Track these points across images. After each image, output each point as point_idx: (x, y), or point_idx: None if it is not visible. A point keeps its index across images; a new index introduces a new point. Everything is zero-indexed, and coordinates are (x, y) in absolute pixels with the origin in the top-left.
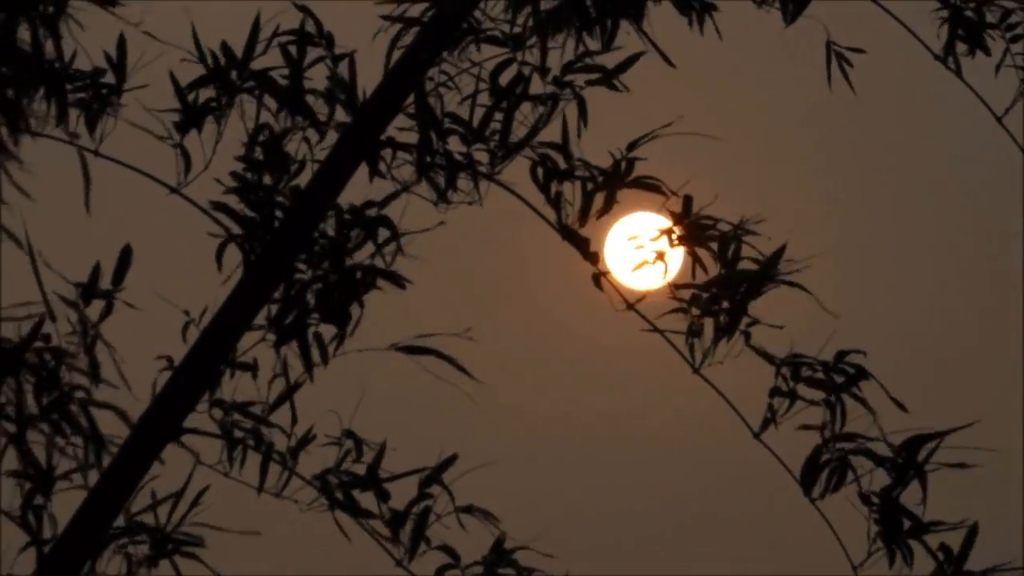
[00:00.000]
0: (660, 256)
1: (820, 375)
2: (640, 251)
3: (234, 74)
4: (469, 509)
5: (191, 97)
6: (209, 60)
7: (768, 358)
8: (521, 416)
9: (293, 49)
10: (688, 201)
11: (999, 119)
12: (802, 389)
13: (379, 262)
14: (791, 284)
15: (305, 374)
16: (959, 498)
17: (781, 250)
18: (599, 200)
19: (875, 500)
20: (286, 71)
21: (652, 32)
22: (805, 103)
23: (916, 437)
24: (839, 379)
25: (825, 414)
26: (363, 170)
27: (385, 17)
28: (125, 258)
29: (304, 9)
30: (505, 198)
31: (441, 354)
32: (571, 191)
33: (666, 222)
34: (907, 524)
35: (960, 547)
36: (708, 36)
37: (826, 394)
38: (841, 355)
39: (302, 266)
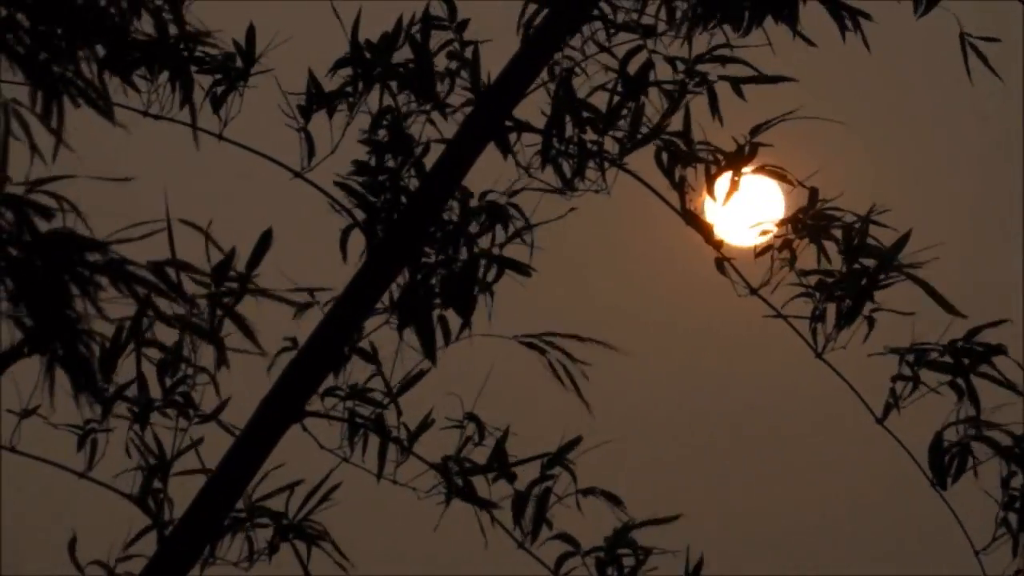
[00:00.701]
0: (788, 244)
1: (947, 359)
2: (763, 238)
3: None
4: (592, 491)
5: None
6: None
7: (895, 350)
8: (644, 403)
9: (419, 33)
10: (814, 193)
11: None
12: (925, 375)
13: (507, 250)
14: (913, 279)
15: (427, 360)
16: None
17: (905, 238)
18: (728, 186)
19: (1013, 489)
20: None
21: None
22: (940, 98)
23: None
24: (967, 360)
25: (951, 399)
26: (488, 158)
27: None
28: (264, 242)
29: None
30: (626, 186)
31: (580, 337)
32: (694, 177)
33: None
34: None
35: None
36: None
37: (954, 376)
38: (973, 333)
39: (428, 250)
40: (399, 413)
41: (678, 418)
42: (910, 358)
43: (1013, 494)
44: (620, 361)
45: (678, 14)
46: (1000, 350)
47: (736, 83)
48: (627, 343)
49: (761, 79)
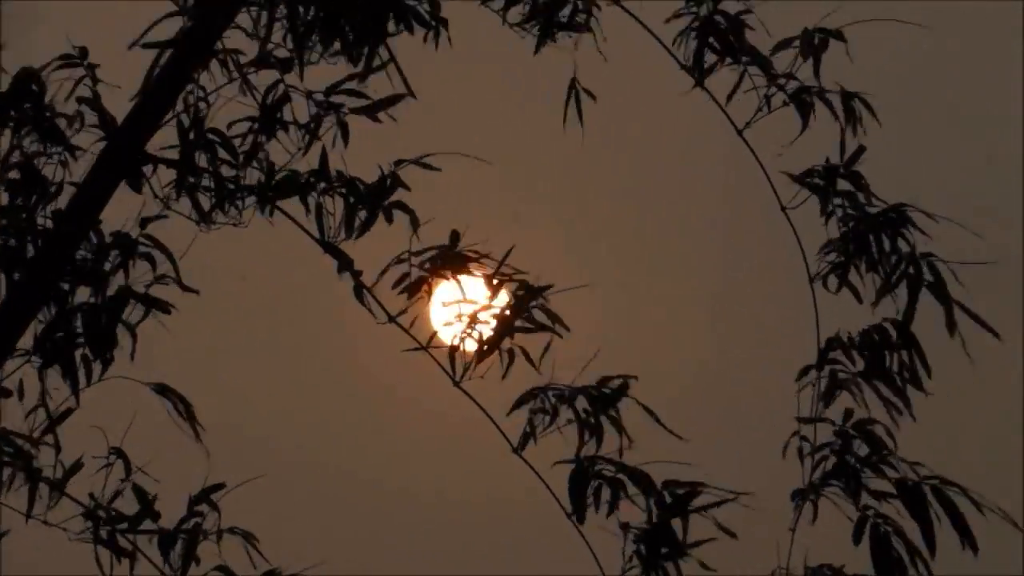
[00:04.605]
0: (424, 280)
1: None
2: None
3: None
4: (232, 530)
5: None
6: None
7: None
8: (274, 438)
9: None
10: (455, 234)
11: (740, 132)
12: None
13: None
14: (546, 312)
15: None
16: None
17: (543, 288)
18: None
19: (633, 527)
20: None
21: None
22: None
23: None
24: (597, 401)
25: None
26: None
27: (146, 45)
28: None
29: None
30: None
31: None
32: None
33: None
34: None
35: None
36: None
37: (586, 415)
38: (605, 380)
39: (65, 287)
40: (58, 450)
41: (320, 456)
42: (547, 395)
43: (644, 527)
44: (261, 393)
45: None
46: (622, 392)
47: (366, 110)
48: (262, 373)
49: (377, 105)
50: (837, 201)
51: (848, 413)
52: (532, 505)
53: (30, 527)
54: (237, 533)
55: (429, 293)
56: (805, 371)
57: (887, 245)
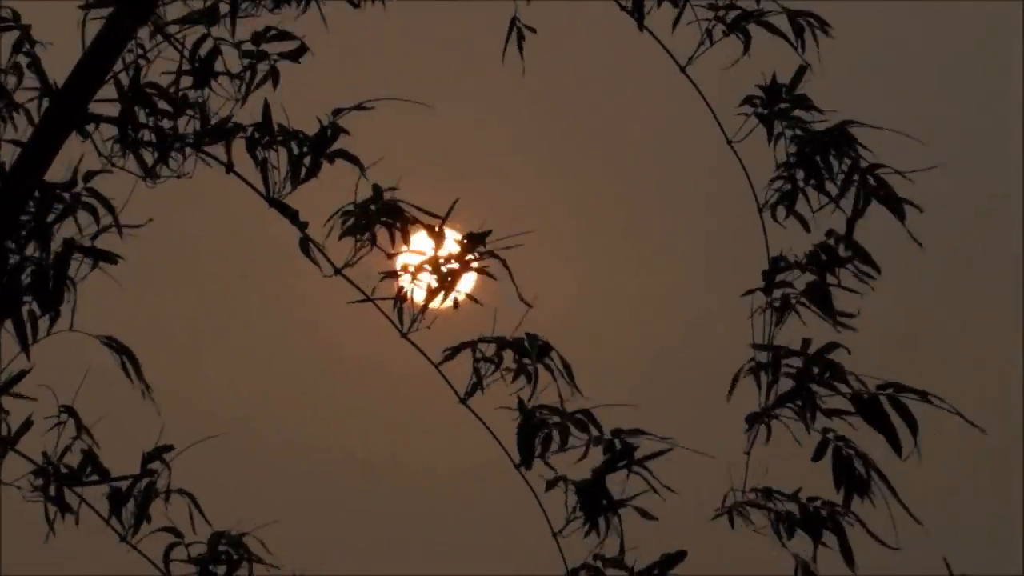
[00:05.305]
0: (367, 227)
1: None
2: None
3: None
4: (181, 492)
5: None
6: None
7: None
8: (222, 398)
9: None
10: (377, 188)
11: (682, 68)
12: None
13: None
14: (493, 256)
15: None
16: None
17: (486, 233)
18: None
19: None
20: None
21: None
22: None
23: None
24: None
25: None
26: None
27: (82, 5)
28: None
29: None
30: (220, 172)
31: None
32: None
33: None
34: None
35: None
36: None
37: (527, 362)
38: (533, 338)
39: (11, 245)
40: (3, 412)
41: (272, 413)
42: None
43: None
44: (210, 358)
45: None
46: (548, 347)
47: (292, 55)
48: (211, 332)
49: (298, 52)
50: (785, 126)
51: (806, 342)
52: (478, 455)
53: None
54: (185, 494)
55: (373, 243)
56: (750, 292)
57: (835, 165)
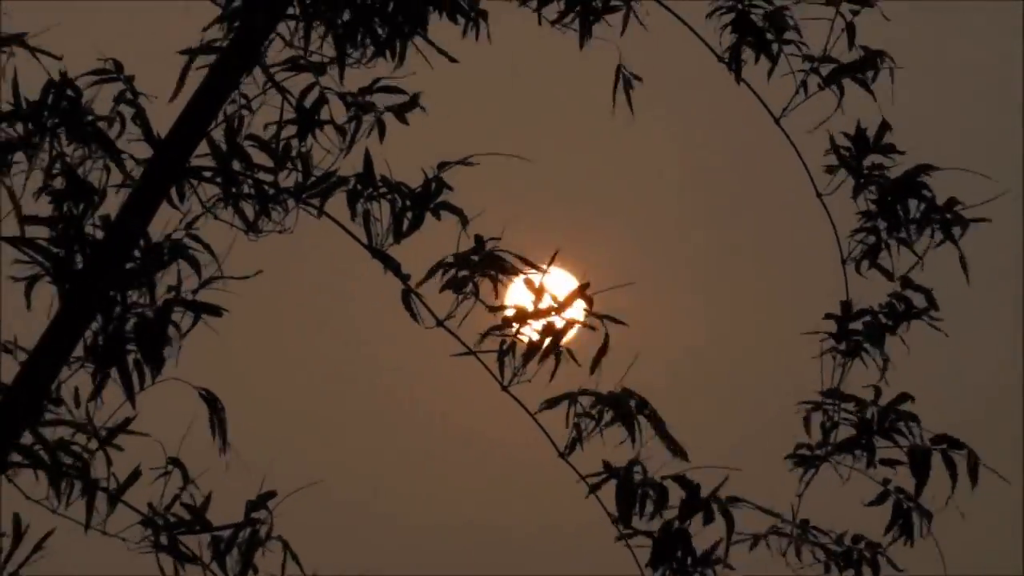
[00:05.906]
0: (469, 280)
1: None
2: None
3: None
4: (279, 538)
5: None
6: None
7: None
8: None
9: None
10: (479, 239)
11: (777, 120)
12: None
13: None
14: (591, 314)
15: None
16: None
17: (584, 286)
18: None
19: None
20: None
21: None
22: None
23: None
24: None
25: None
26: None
27: (183, 52)
28: None
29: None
30: (323, 224)
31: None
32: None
33: None
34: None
35: None
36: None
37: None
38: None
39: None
40: (109, 463)
41: (377, 459)
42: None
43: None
44: (307, 402)
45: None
46: (645, 403)
47: (398, 110)
48: (311, 386)
49: (406, 106)
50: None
51: (877, 391)
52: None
53: (82, 538)
54: (280, 541)
55: (476, 296)
56: (815, 334)
57: (912, 209)
